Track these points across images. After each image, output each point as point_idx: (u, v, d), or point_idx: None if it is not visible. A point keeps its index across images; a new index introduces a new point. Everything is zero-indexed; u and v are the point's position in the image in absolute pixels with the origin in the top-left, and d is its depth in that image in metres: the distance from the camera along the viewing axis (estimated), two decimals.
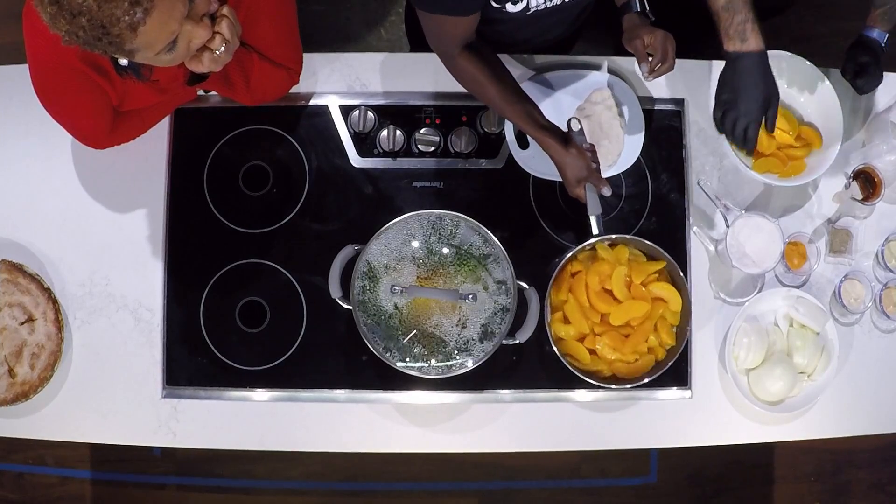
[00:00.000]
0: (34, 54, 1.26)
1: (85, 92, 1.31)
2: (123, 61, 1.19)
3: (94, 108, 1.36)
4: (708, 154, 1.65)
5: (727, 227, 1.53)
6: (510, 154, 1.61)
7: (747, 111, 1.41)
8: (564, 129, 1.54)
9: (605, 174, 1.59)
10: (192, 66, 1.20)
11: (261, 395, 1.57)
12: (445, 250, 1.44)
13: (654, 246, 1.51)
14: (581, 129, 1.50)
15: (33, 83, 1.31)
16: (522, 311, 1.46)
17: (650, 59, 1.40)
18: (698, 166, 1.64)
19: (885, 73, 1.68)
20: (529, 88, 1.61)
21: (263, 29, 1.36)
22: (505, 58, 1.65)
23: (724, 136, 1.48)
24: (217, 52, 1.18)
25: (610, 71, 1.64)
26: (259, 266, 1.60)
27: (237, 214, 1.61)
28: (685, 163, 1.64)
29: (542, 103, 1.62)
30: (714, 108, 1.45)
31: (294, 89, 1.59)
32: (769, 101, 1.42)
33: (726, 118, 1.43)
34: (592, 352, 1.52)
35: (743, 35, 1.38)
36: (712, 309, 1.61)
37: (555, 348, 1.48)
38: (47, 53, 1.23)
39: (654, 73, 1.41)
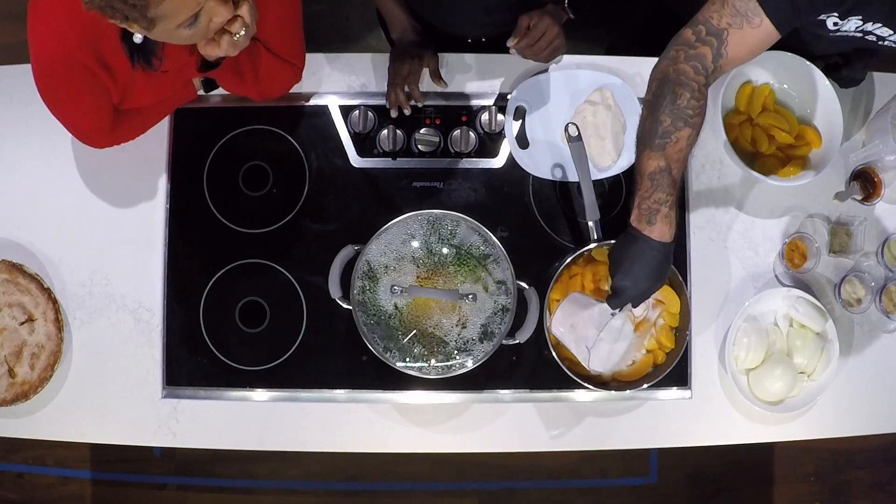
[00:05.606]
0: (39, 49, 1.25)
1: (87, 89, 1.31)
2: (138, 37, 1.18)
3: (95, 105, 1.36)
4: (708, 154, 1.65)
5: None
6: (510, 154, 1.61)
7: (624, 292, 1.34)
8: (563, 132, 1.55)
9: (606, 174, 1.60)
10: (208, 50, 1.20)
11: (261, 395, 1.57)
12: (445, 250, 1.44)
13: None
14: (578, 134, 1.50)
15: (35, 79, 1.30)
16: (522, 312, 1.46)
17: (525, 37, 1.48)
18: (698, 166, 1.64)
19: (884, 74, 1.69)
20: (530, 88, 1.62)
21: (270, 22, 1.36)
22: (507, 57, 1.65)
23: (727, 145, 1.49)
24: (236, 36, 1.18)
25: (610, 71, 1.64)
26: (259, 266, 1.60)
27: (237, 214, 1.61)
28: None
29: (543, 103, 1.62)
30: (609, 267, 1.37)
31: (294, 89, 1.59)
32: (649, 292, 1.36)
33: (612, 283, 1.36)
34: None
35: (652, 217, 1.28)
36: (712, 309, 1.61)
37: (553, 353, 1.48)
38: (54, 46, 1.23)
39: (516, 47, 1.50)
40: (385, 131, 1.60)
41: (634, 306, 1.39)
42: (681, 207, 1.62)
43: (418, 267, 1.44)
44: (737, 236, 1.63)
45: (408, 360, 1.43)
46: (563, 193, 1.62)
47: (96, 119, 1.40)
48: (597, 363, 1.41)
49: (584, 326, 1.40)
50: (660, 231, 1.29)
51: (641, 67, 1.64)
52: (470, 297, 1.42)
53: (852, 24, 1.31)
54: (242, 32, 1.18)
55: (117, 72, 1.30)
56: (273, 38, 1.41)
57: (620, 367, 1.51)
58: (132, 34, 1.16)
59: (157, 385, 1.56)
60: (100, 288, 1.59)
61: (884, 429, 1.63)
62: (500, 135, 1.62)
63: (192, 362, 1.58)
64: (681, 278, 1.51)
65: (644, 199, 1.29)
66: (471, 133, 1.60)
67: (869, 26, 1.31)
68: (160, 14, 1.05)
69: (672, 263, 1.35)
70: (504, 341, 1.44)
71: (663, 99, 1.27)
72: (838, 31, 1.34)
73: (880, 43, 1.36)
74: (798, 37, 1.52)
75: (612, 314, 1.38)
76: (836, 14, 1.30)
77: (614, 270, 1.34)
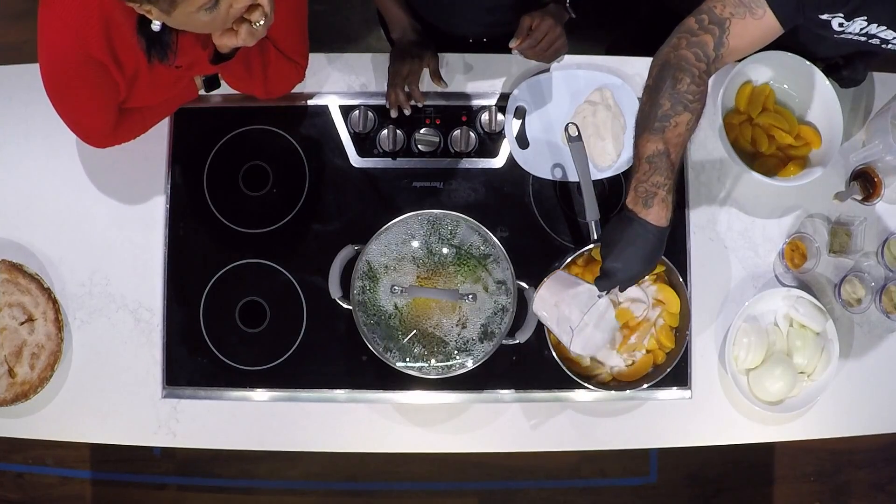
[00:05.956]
0: (52, 44, 1.25)
1: (98, 85, 1.31)
2: (156, 25, 1.18)
3: (103, 102, 1.36)
4: (708, 154, 1.65)
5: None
6: (510, 154, 1.61)
7: (614, 275, 1.31)
8: (563, 132, 1.55)
9: (606, 174, 1.60)
10: (223, 40, 1.20)
11: (261, 395, 1.57)
12: (445, 250, 1.44)
13: None
14: (578, 134, 1.50)
15: (45, 75, 1.30)
16: (522, 311, 1.46)
17: (527, 37, 1.46)
18: (698, 166, 1.64)
19: (884, 74, 1.69)
20: (530, 88, 1.62)
21: (280, 19, 1.36)
22: (508, 57, 1.65)
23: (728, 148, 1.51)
24: (256, 25, 1.18)
25: (610, 71, 1.64)
26: (259, 266, 1.60)
27: (237, 214, 1.61)
28: (685, 163, 1.63)
29: (543, 103, 1.62)
30: (601, 249, 1.35)
31: (295, 89, 1.59)
32: (639, 276, 1.33)
33: (602, 265, 1.34)
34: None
35: (649, 200, 1.26)
36: (712, 309, 1.61)
37: (553, 353, 1.48)
38: (69, 41, 1.23)
39: (518, 47, 1.48)
40: (385, 131, 1.60)
41: (622, 290, 1.37)
42: (681, 207, 1.62)
43: (418, 267, 1.44)
44: (737, 236, 1.63)
45: (408, 360, 1.43)
46: (563, 193, 1.62)
47: (102, 117, 1.40)
48: (578, 346, 1.38)
49: (569, 307, 1.37)
50: (656, 214, 1.27)
51: (641, 68, 1.64)
52: (470, 297, 1.42)
53: (857, 26, 1.31)
54: (262, 22, 1.18)
55: (127, 68, 1.30)
56: (281, 36, 1.42)
57: (601, 352, 1.51)
58: (149, 24, 1.16)
59: (157, 385, 1.56)
60: (100, 288, 1.59)
61: (884, 429, 1.63)
62: (500, 135, 1.62)
63: (192, 362, 1.58)
64: (681, 278, 1.52)
65: (641, 181, 1.27)
66: (471, 133, 1.60)
67: (873, 28, 1.31)
68: None
69: (664, 250, 1.32)
70: (504, 341, 1.44)
71: (663, 83, 1.27)
72: (843, 32, 1.34)
73: (884, 46, 1.35)
74: (800, 39, 1.52)
75: (599, 296, 1.35)
76: (841, 14, 1.30)
77: (606, 252, 1.32)
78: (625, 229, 1.29)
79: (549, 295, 1.39)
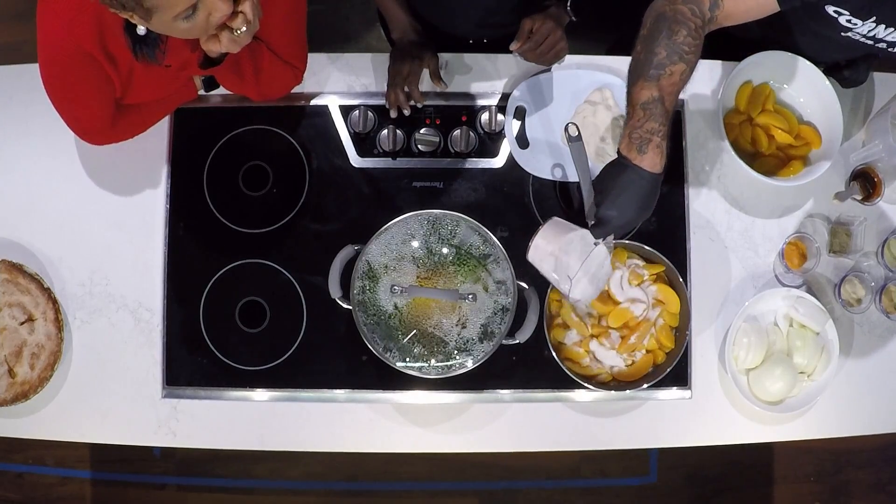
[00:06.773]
0: (47, 39, 1.26)
1: (92, 79, 1.32)
2: (141, 29, 1.18)
3: (98, 97, 1.36)
4: (708, 154, 1.65)
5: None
6: (510, 154, 1.61)
7: (609, 222, 1.31)
8: (563, 132, 1.55)
9: None
10: (209, 45, 1.20)
11: (261, 395, 1.57)
12: (445, 250, 1.44)
13: (653, 251, 1.51)
14: (578, 134, 1.50)
15: (42, 70, 1.31)
16: (522, 312, 1.46)
17: (528, 40, 1.47)
18: (698, 166, 1.64)
19: (884, 74, 1.69)
20: (530, 88, 1.62)
21: (274, 23, 1.36)
22: (508, 57, 1.65)
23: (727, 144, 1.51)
24: (237, 32, 1.17)
25: (610, 71, 1.64)
26: (259, 266, 1.60)
27: (237, 214, 1.61)
28: (684, 163, 1.64)
29: (543, 103, 1.62)
30: (594, 196, 1.34)
31: (294, 89, 1.59)
32: (634, 223, 1.32)
33: (597, 211, 1.33)
34: (592, 355, 1.52)
35: (643, 146, 1.26)
36: (712, 309, 1.61)
37: (553, 354, 1.48)
38: (62, 36, 1.24)
39: (519, 50, 1.49)
40: (385, 131, 1.60)
41: (618, 237, 1.35)
42: (681, 207, 1.62)
43: (418, 267, 1.44)
44: (737, 236, 1.63)
45: (408, 360, 1.43)
46: (563, 193, 1.62)
47: (98, 112, 1.40)
48: (578, 293, 1.37)
49: (566, 254, 1.35)
50: (650, 160, 1.26)
51: None
52: (470, 297, 1.42)
53: (866, 28, 1.31)
54: (244, 29, 1.17)
55: (121, 64, 1.30)
56: (276, 40, 1.41)
57: (601, 352, 1.51)
58: (136, 26, 1.16)
59: (157, 385, 1.56)
60: (100, 288, 1.59)
61: (884, 429, 1.63)
62: (500, 135, 1.62)
63: (192, 362, 1.58)
64: (681, 278, 1.52)
65: (636, 128, 1.27)
66: (471, 133, 1.60)
67: (881, 31, 1.30)
68: (156, 4, 1.06)
69: (658, 196, 1.31)
70: (504, 341, 1.44)
71: (659, 33, 1.27)
72: (850, 31, 1.33)
73: (890, 50, 1.35)
74: (803, 41, 1.52)
75: (595, 244, 1.34)
76: (848, 12, 1.29)
77: (600, 199, 1.31)
78: (619, 175, 1.29)
79: (544, 243, 1.37)
